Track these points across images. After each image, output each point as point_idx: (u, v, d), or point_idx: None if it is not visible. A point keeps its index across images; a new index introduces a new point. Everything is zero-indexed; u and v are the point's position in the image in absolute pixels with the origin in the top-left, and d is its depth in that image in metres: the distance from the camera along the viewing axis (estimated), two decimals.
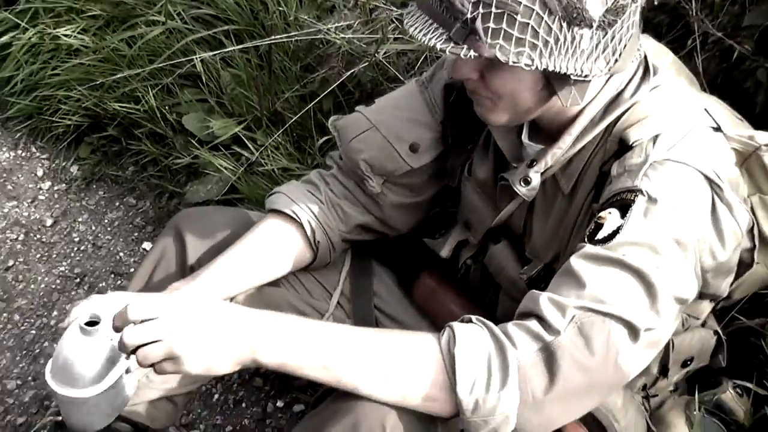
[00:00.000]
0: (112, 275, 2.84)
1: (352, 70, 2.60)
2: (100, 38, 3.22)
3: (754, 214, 1.54)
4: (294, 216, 1.74)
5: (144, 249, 2.93)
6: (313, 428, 1.36)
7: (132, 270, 2.84)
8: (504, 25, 1.28)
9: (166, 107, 2.98)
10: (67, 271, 2.86)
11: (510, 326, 1.31)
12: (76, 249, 2.95)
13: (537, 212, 1.60)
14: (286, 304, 1.81)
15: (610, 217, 1.35)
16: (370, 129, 1.75)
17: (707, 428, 1.69)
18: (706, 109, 1.50)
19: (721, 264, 1.42)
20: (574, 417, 1.37)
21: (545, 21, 1.29)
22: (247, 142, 2.76)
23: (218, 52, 2.89)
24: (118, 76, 3.04)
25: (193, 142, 2.86)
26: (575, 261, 1.33)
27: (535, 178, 1.53)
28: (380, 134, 1.74)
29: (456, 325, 1.32)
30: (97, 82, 3.10)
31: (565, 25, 1.30)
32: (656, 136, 1.41)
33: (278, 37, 2.75)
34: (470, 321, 1.34)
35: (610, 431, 1.61)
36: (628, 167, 1.40)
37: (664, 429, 1.69)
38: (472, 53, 1.30)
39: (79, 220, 3.07)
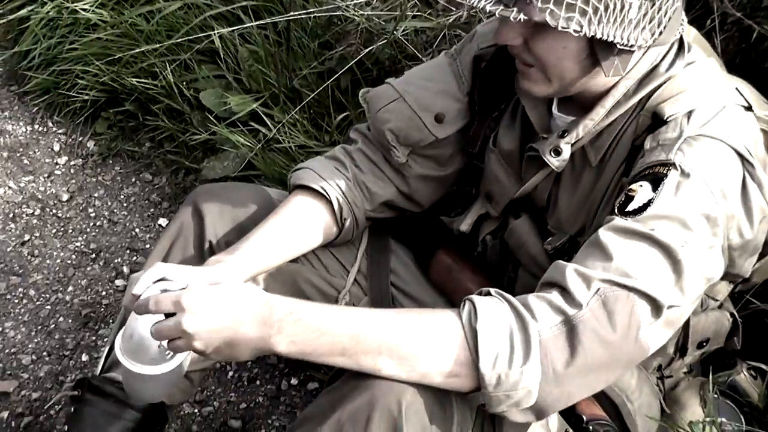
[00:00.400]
0: (128, 251, 2.84)
1: (370, 48, 2.58)
2: (118, 13, 3.21)
3: None
4: (323, 192, 1.73)
5: (160, 225, 2.93)
6: (328, 406, 1.36)
7: (148, 246, 2.85)
8: None
9: (184, 83, 2.97)
10: (82, 247, 2.86)
11: (531, 298, 1.31)
12: (91, 224, 2.96)
13: (564, 184, 1.59)
14: (303, 280, 1.81)
15: (642, 190, 1.35)
16: (397, 99, 1.75)
17: (721, 409, 1.69)
18: (737, 88, 1.49)
19: (748, 242, 1.41)
20: (593, 391, 1.36)
21: None
22: (264, 118, 2.75)
23: (236, 28, 2.88)
24: (136, 51, 3.04)
25: (211, 118, 2.85)
26: (604, 233, 1.33)
27: (566, 149, 1.53)
28: (406, 104, 1.74)
29: (476, 298, 1.31)
30: (115, 57, 3.10)
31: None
32: (690, 112, 1.40)
33: (297, 13, 2.74)
34: (489, 294, 1.33)
35: (623, 410, 1.61)
36: (662, 141, 1.40)
37: (679, 410, 1.69)
38: (522, 16, 1.30)
39: (95, 195, 3.07)
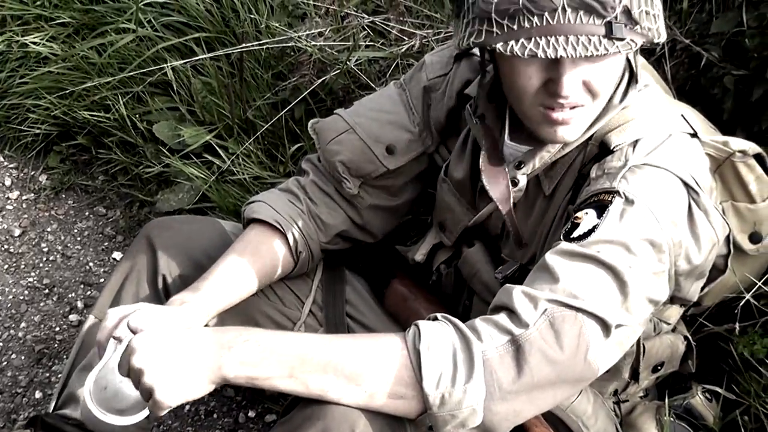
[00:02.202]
0: (82, 285, 2.81)
1: (323, 78, 2.59)
2: (69, 46, 3.19)
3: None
4: (279, 227, 1.73)
5: (114, 259, 2.90)
6: None
7: (102, 280, 2.81)
8: (644, 6, 1.30)
9: (137, 115, 2.95)
10: (35, 282, 2.82)
11: (478, 321, 1.32)
12: (44, 259, 2.92)
13: (517, 213, 1.60)
14: (258, 313, 1.80)
15: (587, 217, 1.37)
16: (348, 131, 1.76)
17: None
18: (682, 115, 1.52)
19: (695, 267, 1.43)
20: (541, 410, 1.37)
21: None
22: (218, 150, 2.74)
23: (189, 60, 2.87)
24: (88, 84, 3.01)
25: (164, 150, 2.83)
26: (550, 257, 1.34)
27: (522, 179, 1.54)
28: (357, 136, 1.75)
29: (421, 323, 1.33)
30: (67, 91, 3.08)
31: None
32: (636, 141, 1.43)
33: (249, 44, 2.74)
34: (436, 319, 1.34)
35: None
36: (607, 170, 1.42)
37: None
38: (633, 42, 1.29)
39: (48, 230, 3.03)
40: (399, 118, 1.75)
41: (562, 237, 1.38)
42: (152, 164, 2.89)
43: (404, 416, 1.33)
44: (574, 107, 1.39)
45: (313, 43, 2.65)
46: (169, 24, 3.06)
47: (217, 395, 2.42)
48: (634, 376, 1.66)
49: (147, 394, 1.32)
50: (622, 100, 1.48)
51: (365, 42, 2.62)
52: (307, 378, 1.30)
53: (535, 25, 1.27)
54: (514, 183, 1.54)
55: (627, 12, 1.27)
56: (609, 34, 1.27)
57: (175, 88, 2.91)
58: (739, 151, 1.56)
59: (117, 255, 2.90)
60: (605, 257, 1.32)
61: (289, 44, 2.72)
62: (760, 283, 1.68)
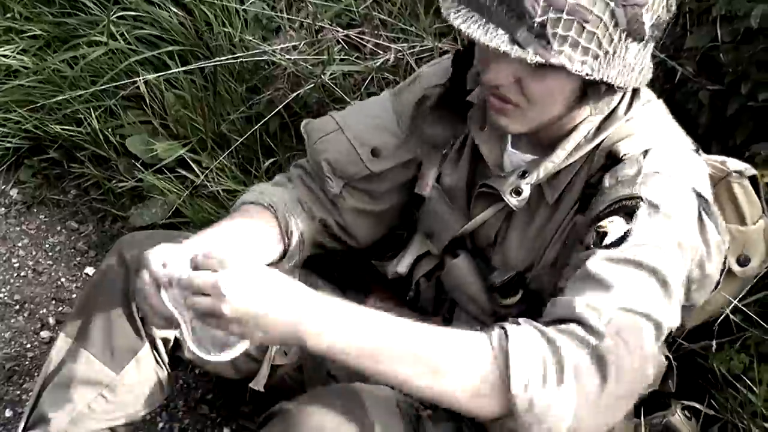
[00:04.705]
0: (54, 301, 2.77)
1: (298, 92, 2.59)
2: (40, 59, 3.16)
3: None
4: (270, 208, 1.74)
5: (87, 274, 2.86)
6: None
7: (74, 296, 2.78)
8: (572, 33, 1.30)
9: (109, 129, 2.93)
10: (6, 298, 2.79)
11: (552, 330, 1.30)
12: (15, 275, 2.88)
13: (516, 221, 1.60)
14: None
15: (614, 225, 1.37)
16: (336, 131, 1.76)
17: None
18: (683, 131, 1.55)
19: (706, 277, 1.46)
20: (618, 420, 1.36)
21: (609, 32, 1.32)
22: (192, 164, 2.72)
23: (162, 73, 2.85)
24: (60, 98, 2.98)
25: (137, 164, 2.82)
26: (594, 265, 1.34)
27: (526, 189, 1.54)
28: (344, 136, 1.75)
29: (507, 324, 1.31)
30: (38, 104, 3.04)
31: (624, 37, 1.33)
32: (646, 151, 1.45)
33: (223, 58, 2.73)
34: (518, 323, 1.32)
35: None
36: (621, 178, 1.43)
37: None
38: (538, 58, 1.31)
39: (19, 245, 2.99)
40: (388, 124, 1.76)
41: (593, 246, 1.38)
42: (125, 179, 2.86)
43: (480, 417, 1.31)
44: (506, 101, 1.43)
45: (288, 56, 2.65)
46: (141, 37, 3.04)
47: (192, 413, 2.40)
48: None
49: (240, 333, 1.32)
50: (626, 112, 1.50)
51: (340, 56, 2.62)
52: (391, 362, 1.28)
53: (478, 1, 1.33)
54: (518, 192, 1.54)
55: (542, 27, 1.29)
56: (513, 39, 1.30)
57: (148, 101, 2.89)
58: (736, 171, 1.58)
59: (89, 270, 2.87)
60: (648, 260, 1.33)
61: (263, 58, 2.72)
62: (735, 302, 1.70)
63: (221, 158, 2.66)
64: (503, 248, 1.64)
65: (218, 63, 2.75)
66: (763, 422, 1.74)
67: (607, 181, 1.45)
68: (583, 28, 1.30)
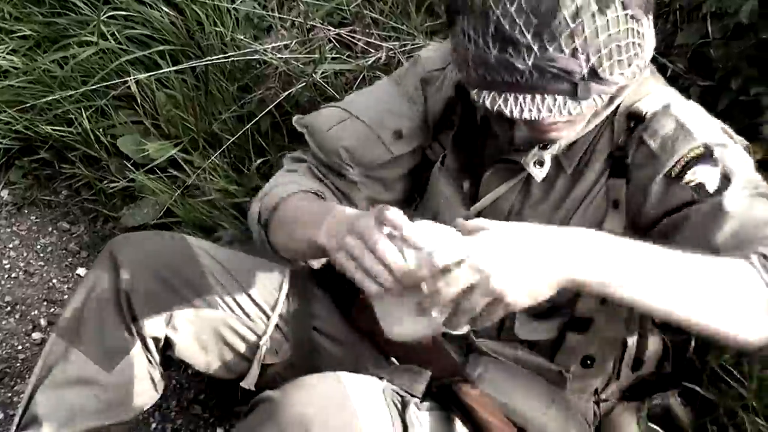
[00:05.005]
0: (45, 303, 2.76)
1: (289, 91, 2.58)
2: (30, 59, 3.15)
3: None
4: (318, 193, 1.72)
5: (78, 275, 2.86)
6: None
7: (66, 297, 2.77)
8: (615, 57, 1.34)
9: (100, 129, 2.92)
10: None
11: None
12: (6, 276, 2.87)
13: (533, 193, 1.60)
14: (224, 326, 1.77)
15: (701, 173, 1.41)
16: (349, 118, 1.73)
17: None
18: None
19: None
20: None
21: (635, 29, 1.35)
22: (183, 164, 2.72)
23: (153, 73, 2.85)
24: (50, 98, 2.98)
25: (128, 165, 2.81)
26: (732, 205, 1.36)
27: (548, 159, 1.55)
28: (361, 122, 1.72)
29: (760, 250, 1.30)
30: (28, 105, 3.03)
31: (642, 22, 1.37)
32: (667, 105, 1.49)
33: (215, 57, 2.73)
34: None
35: None
36: (665, 134, 1.46)
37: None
38: (603, 98, 1.36)
39: (10, 246, 2.99)
40: (399, 108, 1.73)
41: (697, 197, 1.40)
42: (116, 179, 2.86)
43: (753, 345, 1.30)
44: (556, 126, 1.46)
45: (279, 55, 2.64)
46: (132, 37, 3.04)
47: (184, 413, 2.40)
48: (617, 372, 1.69)
49: (494, 298, 1.20)
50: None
51: (331, 54, 2.62)
52: (674, 293, 1.25)
53: (504, 80, 1.34)
54: (540, 163, 1.55)
55: (593, 71, 1.32)
56: (574, 95, 1.33)
57: (139, 101, 2.88)
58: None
59: (81, 271, 2.87)
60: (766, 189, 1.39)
61: (255, 57, 2.71)
62: None
63: (213, 158, 2.65)
64: (519, 221, 1.62)
65: (209, 62, 2.74)
66: (755, 416, 1.75)
67: (651, 142, 1.47)
68: (620, 47, 1.33)
